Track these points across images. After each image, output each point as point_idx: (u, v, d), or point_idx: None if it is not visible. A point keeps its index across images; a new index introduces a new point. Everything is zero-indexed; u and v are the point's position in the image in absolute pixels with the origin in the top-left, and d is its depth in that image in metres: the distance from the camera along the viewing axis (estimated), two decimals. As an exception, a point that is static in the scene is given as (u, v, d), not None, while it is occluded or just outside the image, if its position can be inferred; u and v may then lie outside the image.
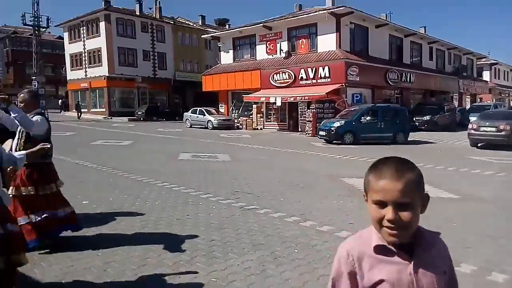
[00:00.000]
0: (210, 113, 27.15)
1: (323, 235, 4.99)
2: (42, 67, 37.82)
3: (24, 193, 4.13)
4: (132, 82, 37.93)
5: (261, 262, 4.07)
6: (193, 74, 41.55)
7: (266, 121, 27.02)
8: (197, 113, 27.36)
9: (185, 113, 29.49)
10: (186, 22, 45.98)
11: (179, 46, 42.07)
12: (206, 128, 25.94)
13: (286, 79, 25.27)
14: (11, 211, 3.44)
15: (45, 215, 4.18)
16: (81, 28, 39.43)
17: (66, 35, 42.23)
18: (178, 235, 4.89)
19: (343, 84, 22.89)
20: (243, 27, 29.39)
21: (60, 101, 44.12)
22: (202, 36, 37.12)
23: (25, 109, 4.19)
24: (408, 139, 18.09)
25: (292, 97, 23.25)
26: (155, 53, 40.23)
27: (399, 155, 1.29)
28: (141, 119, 33.76)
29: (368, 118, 17.77)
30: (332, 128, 17.37)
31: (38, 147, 3.28)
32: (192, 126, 27.15)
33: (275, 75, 25.80)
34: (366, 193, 1.22)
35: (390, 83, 26.21)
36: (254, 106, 26.88)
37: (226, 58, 30.98)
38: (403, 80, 27.34)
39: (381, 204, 1.15)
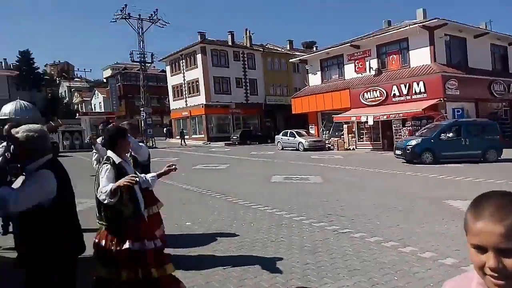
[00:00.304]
0: (300, 135, 27.33)
1: (425, 262, 4.71)
2: (149, 99, 41.90)
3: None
4: (227, 109, 40.07)
5: (357, 289, 4.00)
6: (282, 98, 42.46)
7: (358, 141, 26.31)
8: (288, 135, 27.75)
9: (276, 136, 30.10)
10: (275, 48, 47.48)
11: (269, 71, 43.48)
12: (297, 150, 26.13)
13: (377, 97, 24.50)
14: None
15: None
16: (181, 61, 43.01)
17: (168, 69, 46.42)
18: (273, 258, 5.02)
19: (441, 99, 21.45)
20: (330, 48, 29.39)
21: (165, 129, 48.25)
22: (290, 60, 37.93)
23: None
24: (502, 157, 16.27)
25: (385, 115, 22.41)
26: (246, 80, 42.12)
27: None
28: (236, 143, 35.26)
29: (450, 134, 16.37)
30: (408, 147, 16.32)
31: (165, 168, 3.65)
32: (284, 148, 27.57)
33: (365, 93, 25.18)
34: (466, 234, 1.04)
35: (496, 95, 23.88)
36: (345, 126, 26.43)
37: (314, 79, 31.16)
38: (511, 91, 24.69)
39: (481, 249, 0.98)
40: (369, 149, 25.10)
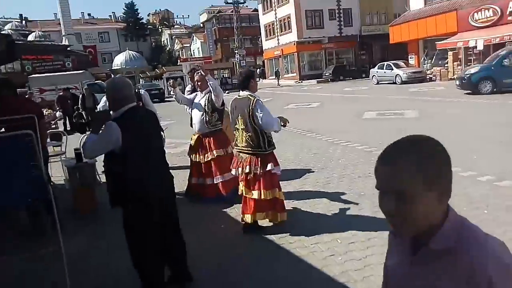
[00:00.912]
0: (398, 66, 25.55)
1: (521, 196, 4.52)
2: (242, 41, 42.47)
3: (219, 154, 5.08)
4: (320, 45, 38.78)
5: (442, 220, 4.06)
6: (380, 27, 39.40)
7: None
8: (384, 68, 26.14)
9: (371, 70, 28.62)
10: (372, -28, 43.44)
11: (365, -1, 40.35)
12: (395, 83, 24.65)
13: (490, 16, 21.47)
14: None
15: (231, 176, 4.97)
16: (272, -2, 42.06)
17: (260, 7, 45.84)
18: (358, 192, 5.25)
19: None
20: (436, -36, 26.01)
21: (258, 70, 48.97)
22: (389, -16, 34.61)
23: (200, 87, 5.14)
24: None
25: (497, 37, 19.68)
26: (340, 11, 39.75)
27: None
28: (329, 80, 34.46)
29: None
30: (465, 76, 14.87)
31: (280, 116, 4.16)
32: (379, 82, 26.23)
33: (475, 14, 22.23)
34: None
35: None
36: (450, 53, 23.89)
37: (416, 3, 28.18)
38: None
39: (379, 192, 0.99)
40: (479, 78, 22.57)
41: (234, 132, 4.18)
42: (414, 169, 0.92)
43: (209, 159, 5.08)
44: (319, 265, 3.39)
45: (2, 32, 13.62)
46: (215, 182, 5.10)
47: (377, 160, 1.00)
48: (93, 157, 3.82)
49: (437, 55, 26.11)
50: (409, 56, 28.54)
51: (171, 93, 5.43)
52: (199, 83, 5.14)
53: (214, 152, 5.06)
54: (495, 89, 14.60)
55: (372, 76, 27.28)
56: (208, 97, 5.05)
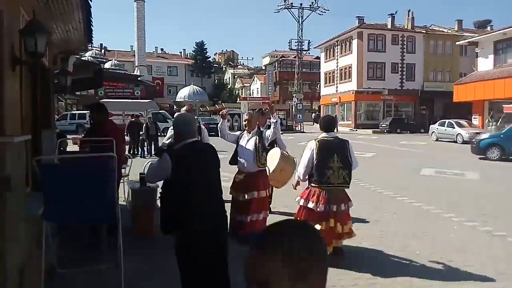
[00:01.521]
0: (460, 125, 24.62)
1: None
2: (301, 85, 43.32)
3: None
4: (379, 95, 38.55)
5: (504, 293, 3.85)
6: (443, 84, 38.58)
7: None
8: (445, 125, 25.29)
9: (431, 126, 27.76)
10: (440, 29, 43.13)
11: (430, 55, 39.88)
12: (455, 142, 23.69)
13: None
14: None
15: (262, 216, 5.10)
16: (336, 47, 42.89)
17: (322, 55, 46.90)
18: (414, 252, 5.09)
19: None
20: (509, 28, 25.35)
21: (313, 114, 49.32)
22: (457, 43, 34.08)
23: (249, 127, 5.25)
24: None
25: None
26: (403, 65, 39.60)
27: None
28: (385, 131, 33.85)
29: None
30: (475, 141, 15.78)
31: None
32: (439, 139, 25.32)
33: (548, 79, 21.20)
34: None
35: None
36: (518, 117, 22.76)
37: (485, 64, 27.44)
38: None
39: None
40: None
41: (326, 171, 4.36)
42: (280, 263, 0.81)
43: (254, 197, 5.06)
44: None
45: (92, 61, 15.10)
46: (254, 219, 5.07)
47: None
48: (152, 182, 4.10)
49: (503, 118, 24.89)
50: (472, 116, 27.49)
51: (219, 125, 5.43)
52: (247, 123, 5.24)
53: (261, 192, 5.11)
54: (503, 156, 14.90)
55: (432, 132, 26.45)
56: (258, 138, 5.12)
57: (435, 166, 12.99)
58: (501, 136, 15.17)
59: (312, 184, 4.45)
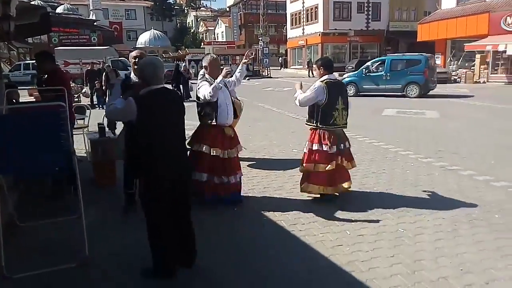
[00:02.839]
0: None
1: (535, 205, 4.51)
2: (267, 28, 42.12)
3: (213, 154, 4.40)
4: (345, 37, 38.21)
5: (453, 222, 4.10)
6: (408, 23, 38.59)
7: (491, 73, 23.23)
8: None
9: (396, 66, 28.11)
10: (405, -35, 42.34)
11: (396, -7, 39.44)
12: (418, 82, 24.22)
13: (523, 21, 20.89)
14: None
15: (226, 179, 4.48)
16: (301, -14, 41.48)
17: (288, -5, 45.33)
18: (372, 188, 5.31)
19: None
20: (473, -37, 25.21)
21: (280, 58, 48.63)
22: (422, -20, 33.75)
23: (209, 72, 4.48)
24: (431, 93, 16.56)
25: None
26: (369, 4, 39.02)
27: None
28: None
29: (374, 69, 17.34)
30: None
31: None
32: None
33: (508, 17, 21.61)
34: None
35: None
36: (478, 56, 23.37)
37: (448, 2, 27.47)
38: None
39: None
40: (504, 83, 22.16)
41: (333, 112, 4.51)
42: None
43: (234, 155, 4.59)
44: (326, 253, 3.49)
45: (36, 4, 13.89)
46: (237, 180, 4.66)
47: None
48: (111, 119, 4.20)
49: (464, 56, 25.55)
50: (435, 55, 27.93)
51: (217, 84, 4.28)
52: (208, 69, 4.52)
53: (239, 146, 4.73)
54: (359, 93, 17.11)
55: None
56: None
57: (396, 106, 13.31)
58: (356, 76, 17.77)
59: (320, 125, 4.54)
